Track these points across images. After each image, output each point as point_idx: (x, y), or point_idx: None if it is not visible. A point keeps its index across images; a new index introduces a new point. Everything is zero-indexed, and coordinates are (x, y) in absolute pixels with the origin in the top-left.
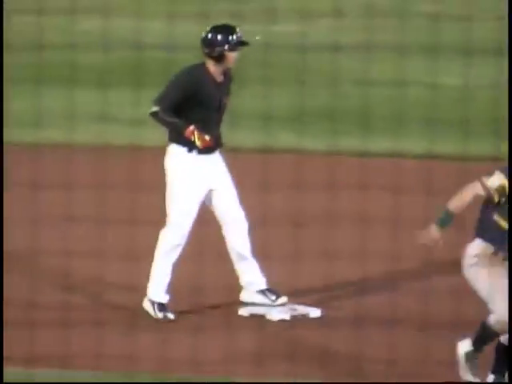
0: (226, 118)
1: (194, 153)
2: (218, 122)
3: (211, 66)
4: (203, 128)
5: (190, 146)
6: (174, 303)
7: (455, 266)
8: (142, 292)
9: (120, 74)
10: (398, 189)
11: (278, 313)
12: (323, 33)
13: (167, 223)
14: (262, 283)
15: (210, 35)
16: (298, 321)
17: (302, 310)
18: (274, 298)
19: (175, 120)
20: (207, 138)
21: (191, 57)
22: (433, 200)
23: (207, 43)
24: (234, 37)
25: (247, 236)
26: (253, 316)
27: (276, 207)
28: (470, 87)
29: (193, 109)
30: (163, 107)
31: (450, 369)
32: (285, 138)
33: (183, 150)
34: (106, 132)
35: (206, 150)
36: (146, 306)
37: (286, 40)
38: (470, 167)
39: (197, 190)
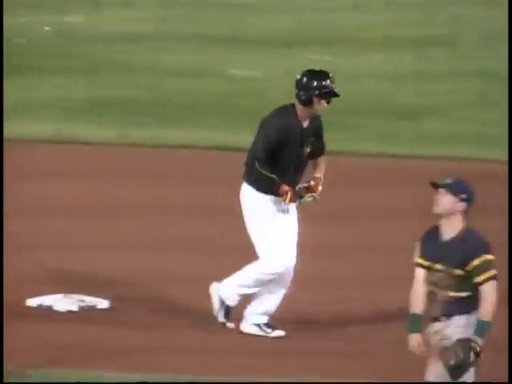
0: None
1: (264, 194)
2: (298, 169)
3: (299, 109)
4: (282, 174)
5: (262, 188)
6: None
7: None
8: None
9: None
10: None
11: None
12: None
13: (260, 258)
14: (263, 318)
15: (303, 78)
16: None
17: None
18: (269, 331)
19: (272, 176)
20: (296, 201)
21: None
22: None
23: (299, 86)
24: (325, 84)
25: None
26: None
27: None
28: None
29: (277, 153)
30: (260, 161)
31: None
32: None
33: (253, 190)
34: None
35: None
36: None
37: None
38: None
39: (272, 221)
